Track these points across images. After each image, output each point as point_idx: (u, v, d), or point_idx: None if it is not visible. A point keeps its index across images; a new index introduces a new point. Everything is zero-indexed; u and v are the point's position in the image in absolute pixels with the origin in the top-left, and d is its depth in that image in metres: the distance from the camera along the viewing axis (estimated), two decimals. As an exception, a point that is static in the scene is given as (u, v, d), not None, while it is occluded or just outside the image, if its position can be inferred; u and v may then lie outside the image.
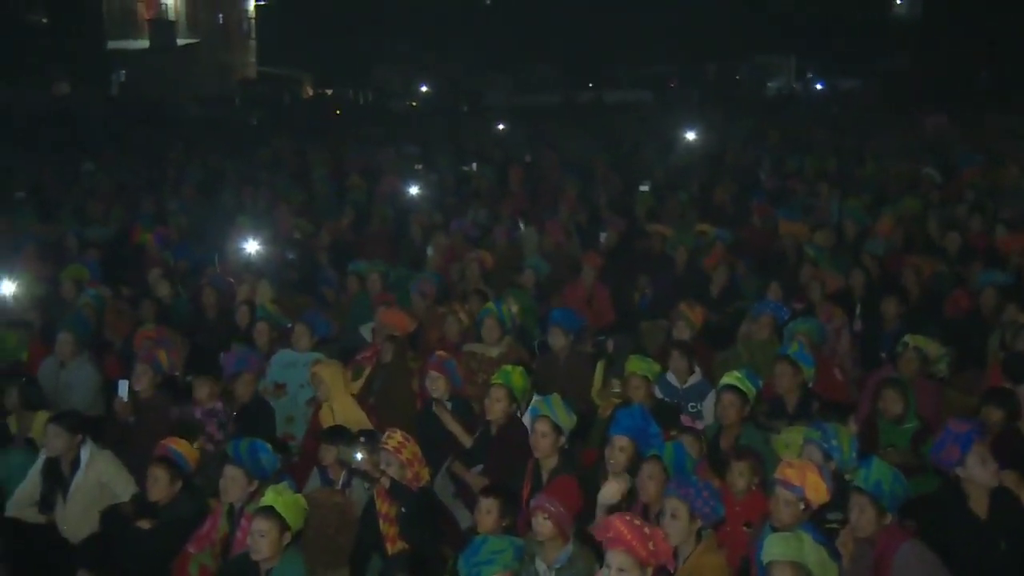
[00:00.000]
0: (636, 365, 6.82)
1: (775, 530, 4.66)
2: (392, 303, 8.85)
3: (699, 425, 6.41)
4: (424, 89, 39.28)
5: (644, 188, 14.90)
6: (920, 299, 9.06)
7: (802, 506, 4.77)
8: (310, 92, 42.89)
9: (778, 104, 32.95)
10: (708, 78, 38.72)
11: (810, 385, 6.70)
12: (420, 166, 18.21)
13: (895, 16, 44.06)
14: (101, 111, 30.08)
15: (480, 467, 6.22)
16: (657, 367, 7.00)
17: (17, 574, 4.77)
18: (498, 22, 43.71)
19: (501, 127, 24.61)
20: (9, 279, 9.55)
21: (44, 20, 34.60)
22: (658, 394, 6.97)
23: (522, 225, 12.74)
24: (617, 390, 7.03)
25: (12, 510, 5.92)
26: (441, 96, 37.41)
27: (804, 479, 4.76)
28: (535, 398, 6.41)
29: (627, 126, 24.50)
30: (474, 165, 18.48)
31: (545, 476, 5.60)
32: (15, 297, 9.37)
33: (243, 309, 9.06)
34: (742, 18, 39.68)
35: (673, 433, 5.75)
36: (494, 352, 7.81)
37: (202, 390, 6.65)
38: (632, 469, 5.41)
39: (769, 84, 38.35)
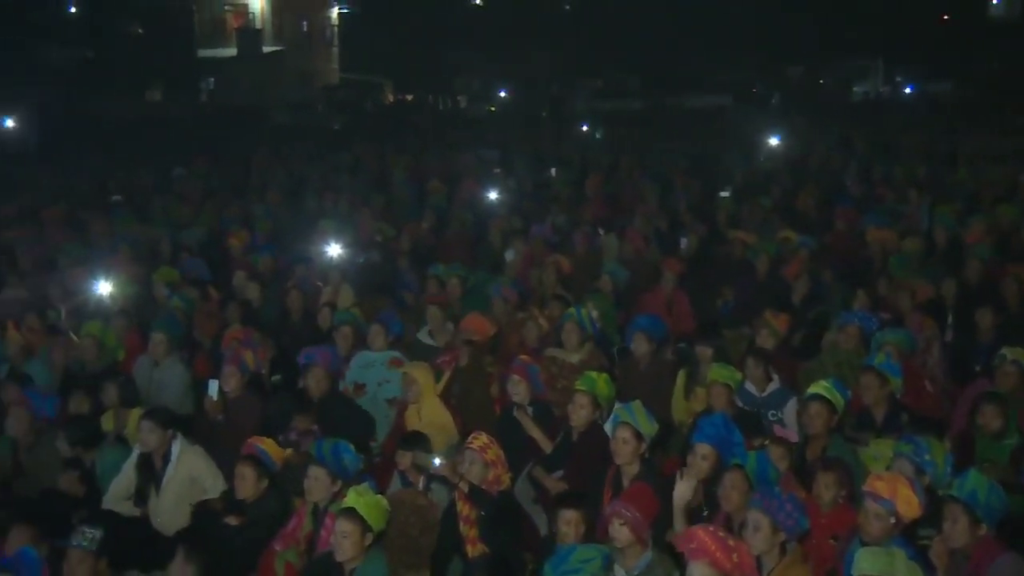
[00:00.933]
0: (718, 373, 6.77)
1: (865, 544, 4.55)
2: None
3: (792, 436, 6.28)
4: (503, 94, 39.47)
5: (725, 194, 14.74)
6: (1018, 310, 8.75)
7: (893, 520, 4.63)
8: (391, 98, 43.47)
9: (865, 108, 32.25)
10: (791, 82, 38.09)
11: (898, 397, 6.54)
12: (499, 171, 18.30)
13: (991, 17, 42.73)
14: (191, 117, 30.97)
15: (560, 473, 6.21)
16: (739, 375, 6.93)
17: (113, 564, 4.93)
18: (579, 27, 43.62)
19: (583, 131, 24.62)
20: (106, 279, 9.89)
21: (139, 31, 35.79)
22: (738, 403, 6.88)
23: (601, 231, 12.70)
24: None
25: (108, 503, 6.14)
26: (521, 101, 37.57)
27: (895, 492, 4.62)
28: (616, 405, 6.38)
29: (708, 131, 24.27)
30: (553, 170, 18.51)
31: (626, 483, 5.57)
32: (111, 296, 9.69)
33: (324, 311, 9.23)
34: (828, 20, 38.92)
35: (757, 443, 5.67)
36: (575, 358, 7.81)
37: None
38: (714, 478, 5.36)
39: (855, 88, 37.54)
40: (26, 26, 29.81)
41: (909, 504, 4.65)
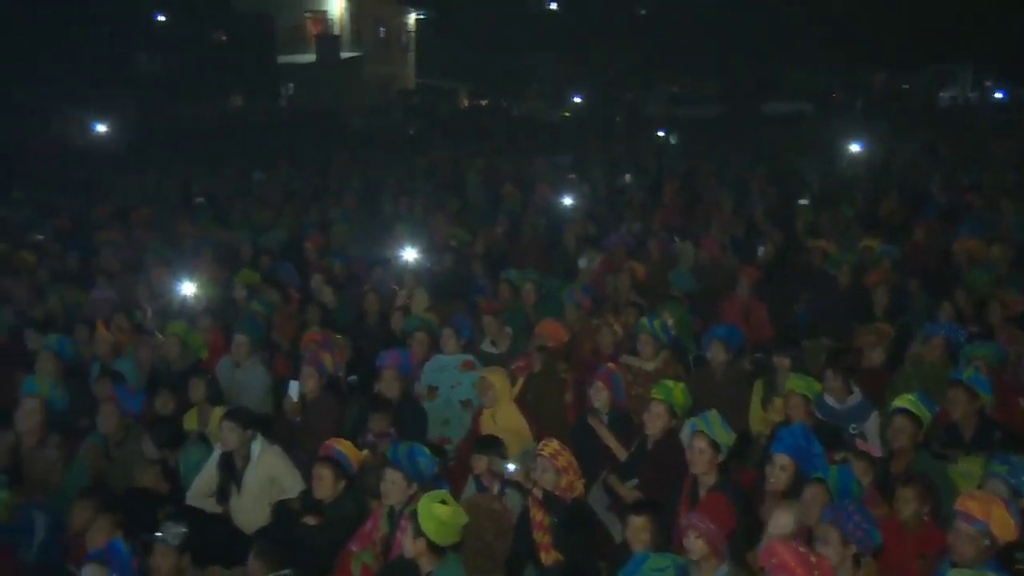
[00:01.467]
0: (796, 384, 6.65)
1: (955, 566, 4.40)
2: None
3: (875, 451, 6.13)
4: (577, 100, 39.44)
5: (804, 201, 14.49)
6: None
7: (987, 542, 4.46)
8: (466, 103, 43.78)
9: (952, 115, 31.40)
10: (874, 88, 37.28)
11: (988, 413, 6.33)
12: (573, 176, 18.28)
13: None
14: (271, 122, 31.63)
15: (635, 481, 6.18)
16: (818, 386, 6.80)
17: (196, 560, 5.05)
18: (655, 32, 43.36)
19: (658, 136, 24.46)
20: (190, 280, 10.14)
21: (223, 38, 36.70)
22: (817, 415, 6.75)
23: (676, 238, 12.60)
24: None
25: (192, 500, 6.29)
26: (595, 106, 37.50)
27: (989, 513, 4.45)
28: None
29: (786, 138, 23.90)
30: (628, 176, 18.42)
31: (703, 493, 5.51)
32: (195, 297, 9.93)
33: (397, 315, 9.32)
34: (914, 24, 37.98)
35: (838, 456, 5.54)
36: (650, 366, 7.76)
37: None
38: (792, 490, 5.26)
39: (942, 94, 36.56)
40: (119, 35, 30.81)
41: (1004, 526, 4.47)
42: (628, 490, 6.12)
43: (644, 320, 8.13)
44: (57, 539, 5.69)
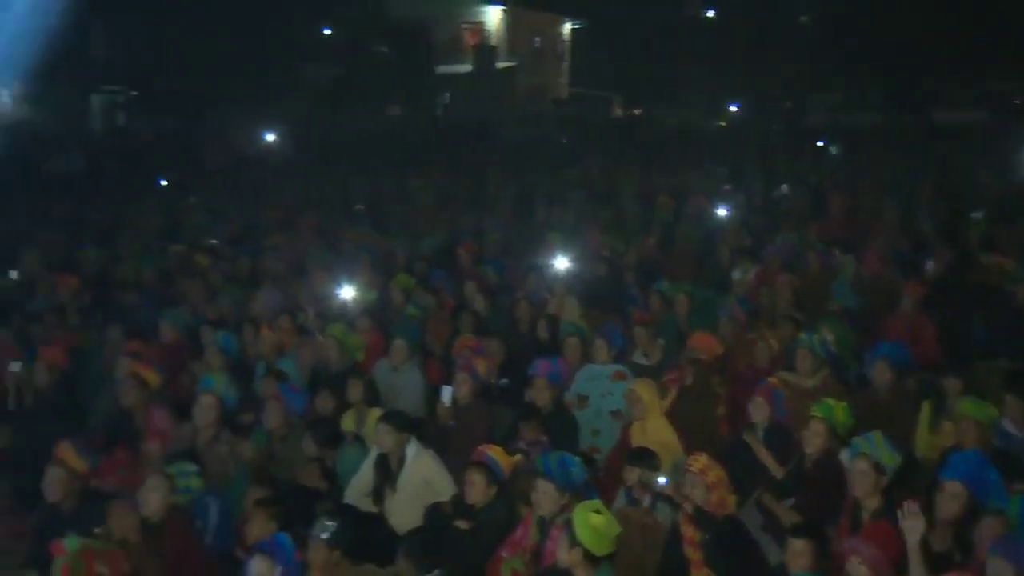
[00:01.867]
0: (969, 408, 6.30)
1: None
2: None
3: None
4: (734, 109, 38.67)
5: (977, 216, 13.72)
6: None
7: None
8: (619, 112, 43.63)
9: None
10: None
11: None
12: (728, 187, 17.94)
13: None
14: (427, 131, 32.42)
15: (791, 501, 5.98)
16: (993, 411, 6.42)
17: (351, 556, 5.21)
18: (816, 38, 42.02)
19: (819, 147, 23.70)
20: (349, 285, 10.49)
21: (384, 49, 37.95)
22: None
23: (837, 251, 12.15)
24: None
25: (349, 499, 6.49)
26: (752, 116, 36.68)
27: None
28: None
29: (958, 149, 22.70)
30: (785, 187, 17.92)
31: (866, 517, 5.28)
32: (354, 301, 10.25)
33: (541, 323, 9.37)
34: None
35: (1019, 487, 5.20)
36: (808, 383, 7.51)
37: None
38: (965, 521, 4.97)
39: None
40: (288, 48, 32.34)
41: None
42: (784, 510, 5.94)
43: (803, 335, 7.89)
44: (229, 526, 6.00)
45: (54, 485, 5.92)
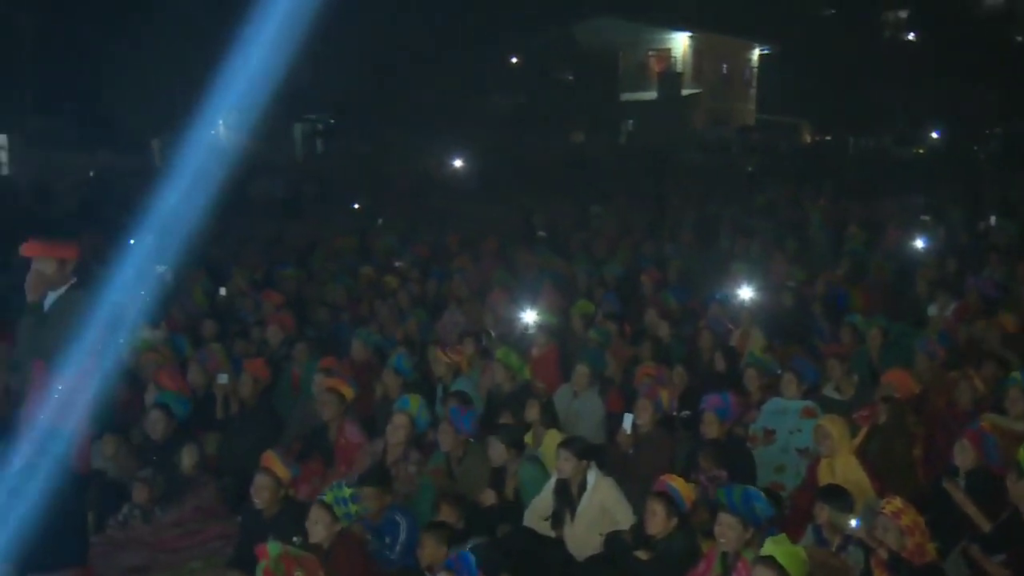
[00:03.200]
0: None
1: None
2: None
3: None
4: (935, 135, 36.77)
5: None
6: None
7: None
8: (808, 138, 42.36)
9: None
10: None
11: None
12: (927, 217, 17.05)
13: None
14: (610, 158, 32.51)
15: (1002, 556, 5.57)
16: None
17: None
18: (1025, 59, 39.44)
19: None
20: (531, 308, 10.62)
21: (569, 77, 38.48)
22: None
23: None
24: None
25: (528, 521, 6.54)
26: (954, 142, 34.75)
27: None
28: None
29: None
30: (993, 218, 16.86)
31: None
32: (536, 325, 10.34)
33: (718, 355, 9.18)
34: None
35: None
36: (1020, 426, 7.00)
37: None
38: None
39: None
40: (477, 76, 33.32)
41: None
42: (994, 566, 5.53)
43: (1016, 374, 7.39)
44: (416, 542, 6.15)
45: (261, 491, 6.20)
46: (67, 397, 5.63)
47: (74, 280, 5.87)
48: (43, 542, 5.47)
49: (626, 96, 40.02)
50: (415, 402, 7.46)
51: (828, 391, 8.32)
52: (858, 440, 7.19)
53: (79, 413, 5.71)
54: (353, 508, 5.72)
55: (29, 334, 5.82)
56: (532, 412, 7.68)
